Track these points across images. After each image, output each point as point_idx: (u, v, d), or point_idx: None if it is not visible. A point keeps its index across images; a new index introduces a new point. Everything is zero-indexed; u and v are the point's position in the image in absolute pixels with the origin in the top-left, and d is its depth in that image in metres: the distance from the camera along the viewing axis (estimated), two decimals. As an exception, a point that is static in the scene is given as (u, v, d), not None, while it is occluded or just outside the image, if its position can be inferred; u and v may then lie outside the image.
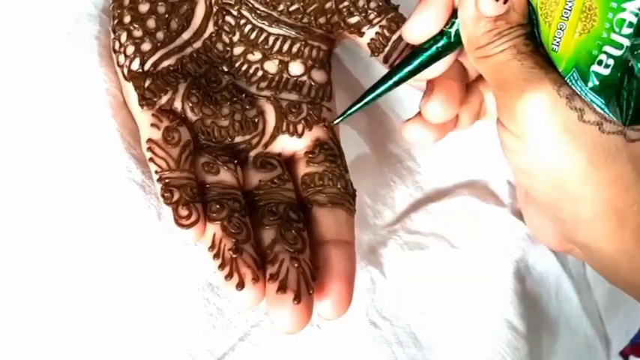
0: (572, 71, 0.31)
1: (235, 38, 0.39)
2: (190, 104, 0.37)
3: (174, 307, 0.36)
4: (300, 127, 0.38)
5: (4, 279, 0.34)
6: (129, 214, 0.36)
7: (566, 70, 0.31)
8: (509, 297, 0.42)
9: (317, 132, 0.38)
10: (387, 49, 0.38)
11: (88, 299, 0.35)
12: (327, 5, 0.38)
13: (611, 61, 0.30)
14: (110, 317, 0.35)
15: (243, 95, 0.38)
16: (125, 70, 0.37)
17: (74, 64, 0.38)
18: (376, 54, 0.39)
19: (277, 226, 0.34)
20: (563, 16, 0.31)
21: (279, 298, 0.31)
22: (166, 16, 0.38)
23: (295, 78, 0.39)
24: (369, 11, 0.38)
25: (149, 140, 0.36)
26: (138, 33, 0.38)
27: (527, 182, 0.34)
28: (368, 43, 0.38)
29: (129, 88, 0.37)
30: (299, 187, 0.37)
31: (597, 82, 0.30)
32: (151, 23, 0.38)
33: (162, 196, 0.34)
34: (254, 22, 0.39)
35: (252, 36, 0.39)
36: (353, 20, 0.38)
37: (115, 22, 0.38)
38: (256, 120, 0.38)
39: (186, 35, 0.39)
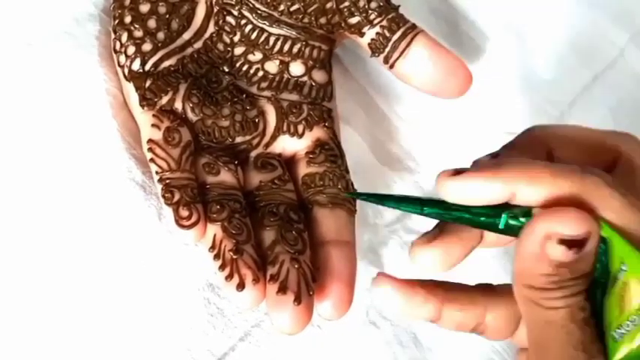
0: None
1: (236, 38, 0.39)
2: (191, 104, 0.37)
3: (175, 307, 0.36)
4: (300, 128, 0.38)
5: (4, 279, 0.34)
6: (129, 214, 0.36)
7: None
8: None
9: (317, 132, 0.38)
10: (387, 49, 0.38)
11: (88, 299, 0.35)
12: (328, 5, 0.38)
13: None
14: (111, 317, 0.35)
15: (244, 95, 0.38)
16: (126, 71, 0.37)
17: (74, 64, 0.38)
18: (376, 54, 0.39)
19: (278, 226, 0.34)
20: None
21: (279, 299, 0.32)
22: (167, 16, 0.38)
23: (296, 78, 0.39)
24: (370, 11, 0.38)
25: (150, 141, 0.36)
26: (139, 33, 0.38)
27: None
28: (368, 44, 0.38)
29: (129, 88, 0.37)
30: (299, 187, 0.37)
31: None
32: (151, 23, 0.38)
33: (163, 196, 0.34)
34: (255, 22, 0.39)
35: (253, 36, 0.39)
36: (354, 20, 0.38)
37: (116, 22, 0.38)
38: (257, 120, 0.38)
39: (186, 35, 0.39)
